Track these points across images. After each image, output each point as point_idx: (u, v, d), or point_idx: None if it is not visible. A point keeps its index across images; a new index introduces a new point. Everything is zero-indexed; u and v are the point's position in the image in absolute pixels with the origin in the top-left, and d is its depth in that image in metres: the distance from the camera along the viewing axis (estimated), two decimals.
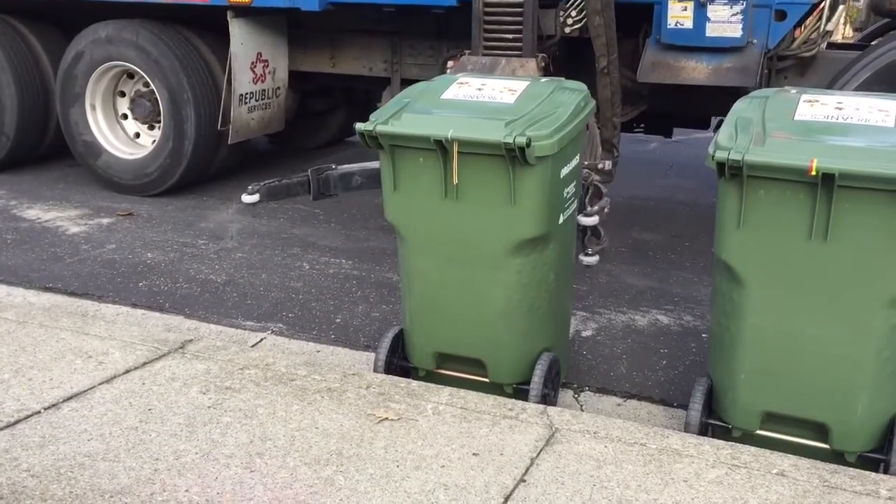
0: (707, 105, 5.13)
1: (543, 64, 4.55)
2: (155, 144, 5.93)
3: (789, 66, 4.80)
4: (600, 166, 4.16)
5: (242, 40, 5.63)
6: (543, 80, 3.37)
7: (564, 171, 3.06)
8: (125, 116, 6.16)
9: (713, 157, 2.65)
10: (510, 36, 4.68)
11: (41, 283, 4.44)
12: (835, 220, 2.55)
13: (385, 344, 3.29)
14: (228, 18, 5.53)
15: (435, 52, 5.67)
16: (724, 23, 4.45)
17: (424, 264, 3.14)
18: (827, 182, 2.51)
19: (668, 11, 4.53)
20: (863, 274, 2.58)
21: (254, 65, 5.78)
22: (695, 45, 4.55)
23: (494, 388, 3.17)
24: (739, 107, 2.93)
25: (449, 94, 3.18)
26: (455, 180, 2.94)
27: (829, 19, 4.67)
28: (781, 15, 4.45)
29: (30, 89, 6.35)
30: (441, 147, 2.91)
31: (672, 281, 4.64)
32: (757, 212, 2.67)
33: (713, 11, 4.45)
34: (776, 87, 4.56)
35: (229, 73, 5.65)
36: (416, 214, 3.10)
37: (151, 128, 6.08)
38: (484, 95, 3.13)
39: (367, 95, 7.37)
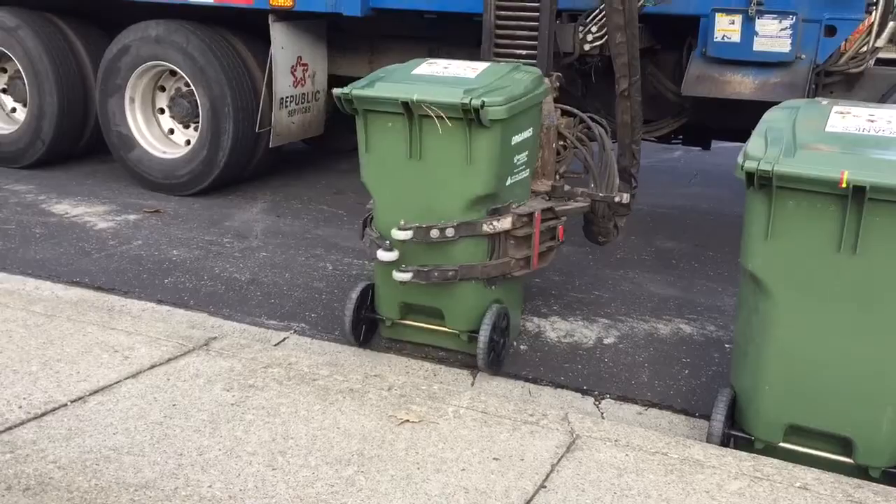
0: (749, 119, 5.03)
1: (558, 84, 4.07)
2: (189, 148, 5.98)
3: (837, 81, 4.74)
4: (617, 199, 3.86)
5: (283, 44, 5.68)
6: (503, 62, 3.81)
7: (516, 139, 3.44)
8: (162, 111, 6.23)
9: (742, 167, 2.62)
10: (523, 52, 4.33)
11: (69, 277, 4.50)
12: (864, 232, 2.51)
13: (353, 297, 3.68)
14: (270, 22, 5.58)
15: (473, 59, 5.65)
16: (773, 37, 4.40)
17: (394, 220, 3.43)
18: (857, 195, 2.47)
19: (716, 24, 4.49)
20: (892, 288, 2.53)
21: (294, 69, 5.83)
22: (742, 59, 4.51)
23: (452, 337, 3.63)
24: (770, 117, 2.90)
25: (419, 71, 3.58)
26: (420, 139, 3.33)
27: (878, 35, 4.61)
28: (831, 30, 4.39)
29: (71, 96, 6.42)
30: (407, 109, 3.28)
31: (695, 290, 4.59)
32: (785, 223, 2.63)
33: (762, 26, 4.41)
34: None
35: (269, 77, 5.70)
36: (385, 174, 3.49)
37: (187, 126, 6.14)
38: (449, 72, 3.54)
39: None
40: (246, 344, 3.40)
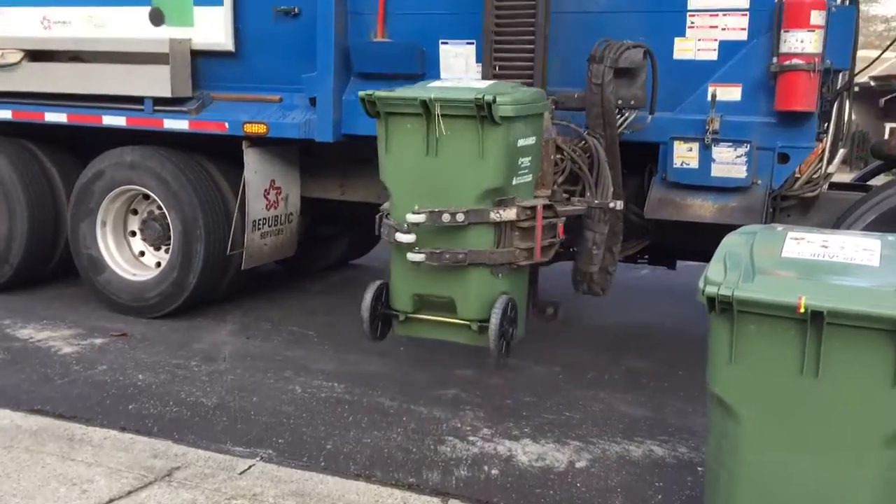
0: (711, 241, 5.16)
1: (553, 106, 4.48)
2: (160, 270, 5.99)
3: (793, 205, 4.90)
4: (611, 205, 4.36)
5: (256, 168, 5.79)
6: (509, 81, 4.31)
7: (521, 142, 3.88)
8: (133, 234, 6.26)
9: (703, 291, 2.68)
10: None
11: (29, 405, 4.39)
12: (825, 357, 2.55)
13: (369, 295, 4.11)
14: (244, 148, 5.69)
15: None
16: (729, 164, 4.57)
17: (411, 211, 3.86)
18: (816, 320, 2.53)
19: (675, 151, 4.67)
20: (855, 412, 2.55)
21: (267, 192, 5.92)
22: (700, 184, 4.67)
23: (463, 330, 3.93)
24: (728, 242, 2.99)
25: (434, 84, 4.13)
26: (437, 135, 3.76)
27: (829, 162, 4.81)
28: (785, 157, 4.56)
29: (42, 220, 6.44)
30: (426, 109, 3.73)
31: (667, 410, 4.58)
32: (748, 347, 2.67)
33: (718, 153, 4.58)
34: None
35: (242, 200, 5.78)
36: (403, 171, 3.93)
37: (158, 249, 6.17)
38: (461, 84, 4.10)
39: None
40: (210, 473, 3.32)
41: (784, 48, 4.34)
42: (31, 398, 4.48)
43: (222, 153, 6.05)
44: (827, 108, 4.89)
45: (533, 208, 3.96)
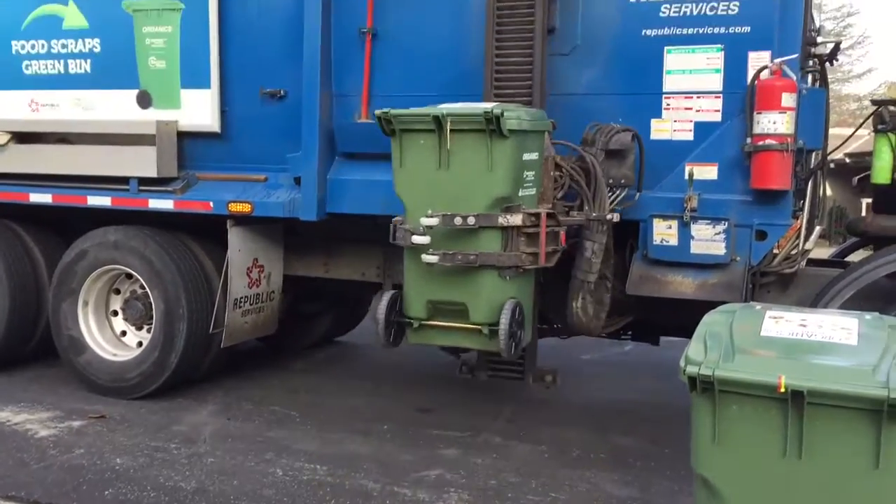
0: (693, 317, 5.19)
1: (552, 127, 4.68)
2: (141, 350, 5.94)
3: (772, 281, 4.95)
4: (608, 217, 4.57)
5: (240, 247, 5.80)
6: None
7: (526, 156, 4.21)
8: (115, 313, 6.23)
9: (684, 371, 2.69)
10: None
11: (3, 491, 4.27)
12: (808, 437, 2.55)
13: (383, 303, 4.39)
14: (228, 227, 5.72)
15: None
16: (708, 241, 4.64)
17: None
18: (797, 399, 2.54)
19: (654, 229, 4.74)
20: (839, 494, 2.54)
21: (250, 270, 5.92)
22: (681, 261, 4.72)
23: (475, 335, 4.24)
24: (708, 320, 3.01)
25: (444, 105, 4.33)
26: (448, 146, 4.07)
27: (806, 239, 4.89)
28: (762, 235, 4.63)
29: (23, 300, 6.41)
30: (437, 124, 4.06)
31: (653, 490, 4.52)
32: (731, 427, 2.67)
33: (697, 231, 4.66)
34: (760, 301, 4.72)
35: (225, 278, 5.77)
36: (416, 184, 4.24)
37: (139, 328, 6.13)
38: (468, 103, 4.38)
39: (356, 300, 7.52)
40: None
41: (757, 129, 4.46)
42: (4, 484, 4.38)
43: (207, 232, 6.07)
44: (802, 186, 5.00)
45: (537, 215, 4.27)
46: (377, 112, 4.28)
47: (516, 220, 4.17)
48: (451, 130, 4.07)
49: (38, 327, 6.55)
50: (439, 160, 4.17)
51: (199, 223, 6.03)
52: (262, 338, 6.82)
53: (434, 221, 4.10)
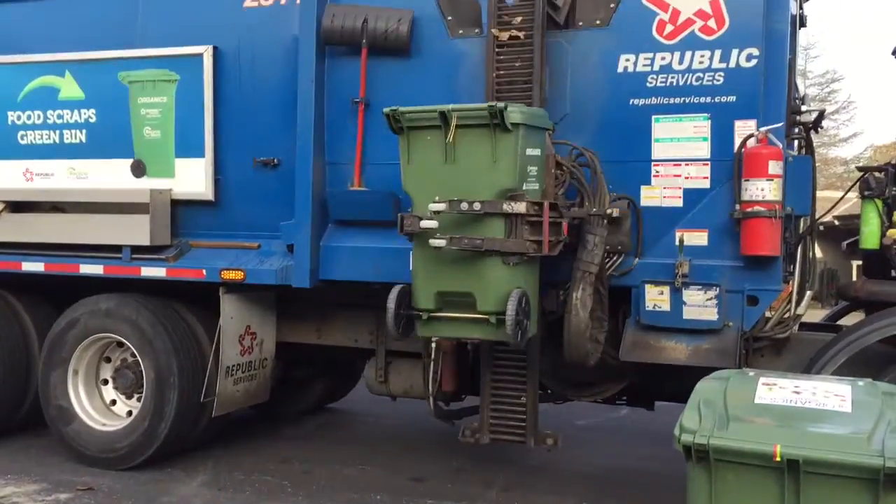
0: (688, 382, 5.19)
1: (553, 129, 4.81)
2: (131, 420, 5.86)
3: (765, 346, 4.96)
4: (609, 211, 4.64)
5: (232, 314, 5.78)
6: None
7: (529, 151, 4.34)
8: (105, 382, 6.16)
9: (679, 440, 2.67)
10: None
11: None
12: None
13: (392, 297, 4.49)
14: (220, 294, 5.70)
15: None
16: (700, 307, 4.66)
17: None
18: (793, 468, 2.51)
19: (646, 295, 4.76)
20: None
21: (242, 337, 5.89)
22: (673, 326, 4.73)
23: (482, 325, 4.34)
24: (701, 388, 3.01)
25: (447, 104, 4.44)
26: (451, 138, 4.22)
27: (798, 303, 4.91)
28: (754, 300, 4.65)
29: (13, 369, 6.35)
30: (443, 120, 4.21)
31: None
32: (727, 495, 2.66)
33: (689, 296, 4.68)
34: (754, 366, 4.72)
35: (217, 346, 5.73)
36: (424, 179, 4.38)
37: (129, 397, 6.06)
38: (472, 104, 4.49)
39: (348, 366, 7.47)
40: None
41: (745, 196, 4.52)
42: None
43: (199, 299, 6.05)
44: (792, 251, 5.04)
45: (540, 204, 4.39)
46: (385, 110, 4.41)
47: (520, 207, 4.28)
48: (456, 126, 4.23)
49: (27, 397, 6.47)
50: (445, 155, 4.31)
51: (191, 290, 6.02)
52: (254, 406, 6.75)
53: (441, 207, 4.22)
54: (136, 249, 5.87)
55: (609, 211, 4.67)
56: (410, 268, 4.64)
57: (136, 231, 5.78)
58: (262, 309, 6.07)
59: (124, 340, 5.90)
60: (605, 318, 4.89)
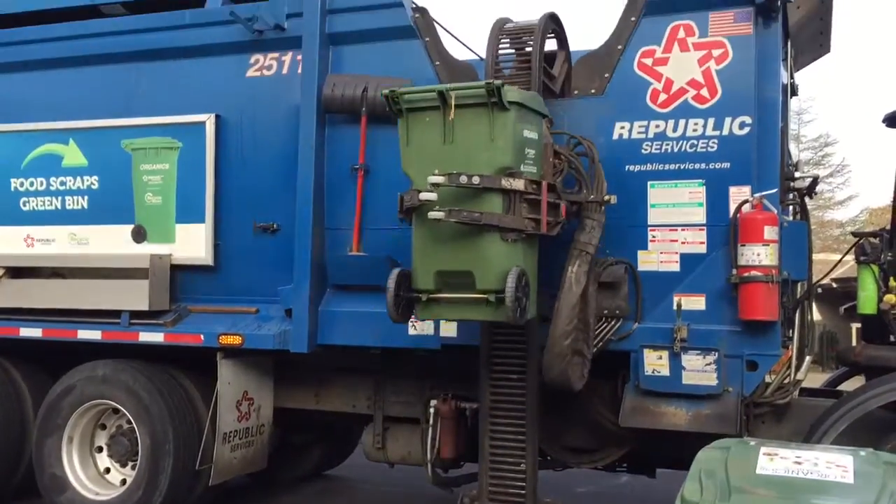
0: (688, 448, 5.14)
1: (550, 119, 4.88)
2: (125, 489, 5.77)
3: (766, 412, 4.93)
4: (606, 198, 4.69)
5: (230, 380, 5.75)
6: None
7: (526, 132, 4.40)
8: (100, 449, 6.09)
9: None
10: (515, 376, 4.97)
11: None
12: None
13: (392, 280, 4.43)
14: (218, 359, 5.68)
15: (417, 391, 5.81)
16: (700, 372, 4.65)
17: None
18: None
19: (645, 360, 4.75)
20: None
21: (239, 403, 5.85)
22: (673, 391, 4.71)
23: (481, 306, 4.30)
24: (702, 457, 2.98)
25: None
26: (451, 116, 4.26)
27: (797, 368, 4.90)
28: (753, 365, 4.64)
29: (7, 436, 6.28)
30: (442, 99, 4.26)
31: None
32: None
33: (688, 361, 4.67)
34: (755, 432, 4.68)
35: (214, 412, 5.69)
36: (423, 160, 4.38)
37: (124, 465, 5.98)
38: None
39: (346, 432, 7.39)
40: None
41: (742, 261, 4.55)
42: None
43: (197, 364, 6.02)
44: (790, 315, 5.04)
45: (538, 183, 4.43)
46: (383, 91, 4.45)
47: (518, 184, 4.29)
48: (455, 105, 4.26)
49: (21, 465, 6.37)
50: (444, 135, 4.33)
51: (189, 355, 5.99)
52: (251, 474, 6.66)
53: (440, 179, 4.21)
54: (134, 314, 5.87)
55: (606, 198, 4.72)
56: (411, 249, 4.59)
57: (134, 296, 5.79)
58: (260, 374, 6.04)
59: (120, 407, 5.85)
60: (590, 339, 4.82)
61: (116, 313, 5.92)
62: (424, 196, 4.25)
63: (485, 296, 4.28)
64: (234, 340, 5.64)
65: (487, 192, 4.27)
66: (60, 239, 6.19)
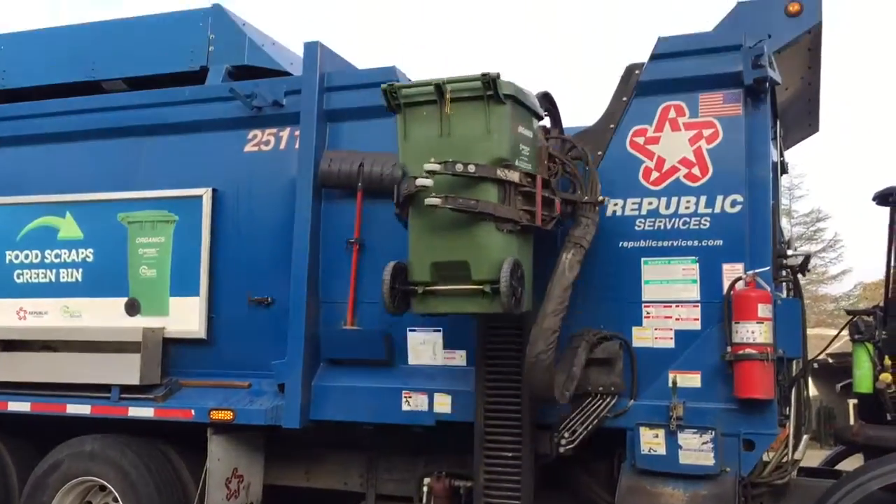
0: None
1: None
2: None
3: (764, 492, 4.85)
4: (600, 199, 4.77)
5: (220, 456, 5.65)
6: None
7: (521, 129, 4.49)
8: None
9: None
10: (510, 454, 4.89)
11: None
12: None
13: (387, 272, 4.46)
14: (208, 435, 5.60)
15: (411, 469, 5.71)
16: (696, 451, 4.58)
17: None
18: None
19: (641, 438, 4.69)
20: None
21: (229, 480, 5.73)
22: (669, 471, 4.64)
23: (476, 298, 4.35)
24: None
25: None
26: (448, 109, 4.36)
27: (795, 448, 4.84)
28: (750, 444, 4.58)
29: None
30: (439, 92, 4.34)
31: None
32: None
33: (684, 440, 4.61)
34: None
35: (202, 490, 5.57)
36: (420, 153, 4.39)
37: None
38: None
39: None
40: None
41: (736, 338, 4.54)
42: None
43: (186, 439, 5.93)
44: (786, 393, 5.01)
45: (533, 176, 4.49)
46: (382, 86, 4.50)
47: (513, 176, 4.34)
48: (451, 99, 4.34)
49: None
50: (441, 128, 4.40)
51: (179, 430, 5.91)
52: None
53: (437, 167, 4.24)
54: (125, 389, 5.81)
55: (601, 198, 4.78)
56: (408, 243, 4.62)
57: (126, 370, 5.74)
58: (250, 450, 5.95)
59: (107, 484, 5.74)
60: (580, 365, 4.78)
61: (107, 387, 5.85)
62: (421, 182, 4.27)
63: (480, 286, 4.32)
64: (225, 416, 5.57)
65: (483, 182, 4.33)
66: (53, 312, 6.16)
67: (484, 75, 4.26)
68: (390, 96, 4.50)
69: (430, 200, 4.24)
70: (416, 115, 4.50)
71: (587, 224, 4.76)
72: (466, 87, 4.36)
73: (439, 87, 4.36)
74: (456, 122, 4.40)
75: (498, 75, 4.29)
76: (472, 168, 4.28)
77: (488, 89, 4.29)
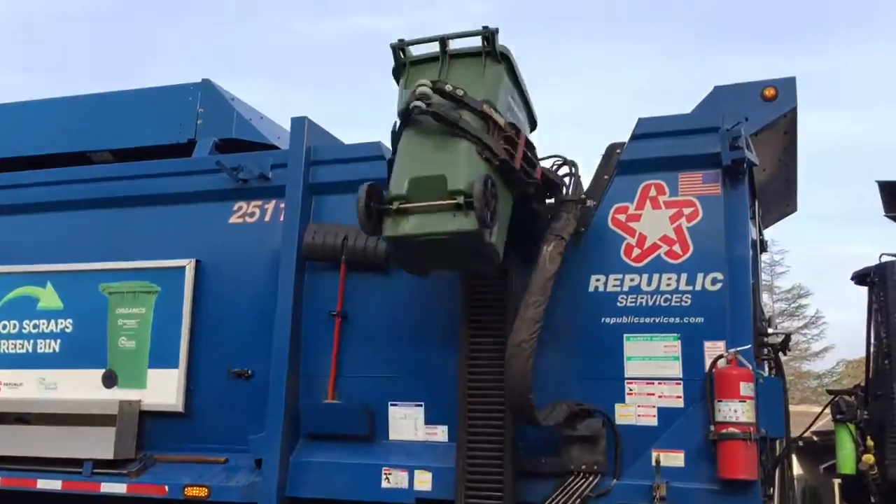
0: None
1: None
2: None
3: None
4: (583, 198, 4.91)
5: None
6: None
7: (509, 99, 4.73)
8: None
9: None
10: None
11: None
12: None
13: (362, 192, 4.43)
14: None
15: None
16: None
17: None
18: None
19: None
20: None
21: None
22: None
23: (449, 215, 4.30)
24: None
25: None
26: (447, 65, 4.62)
27: None
28: None
29: None
30: (442, 48, 4.62)
31: None
32: None
33: None
34: None
35: None
36: None
37: None
38: None
39: None
40: None
41: (719, 417, 4.51)
42: None
43: None
44: (770, 473, 4.96)
45: (518, 130, 4.63)
46: (391, 43, 4.72)
47: (499, 118, 4.50)
48: (451, 55, 4.63)
49: None
50: (439, 76, 4.57)
51: None
52: None
53: (428, 90, 4.42)
54: (98, 463, 5.67)
55: (583, 198, 4.96)
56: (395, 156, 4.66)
57: (99, 444, 5.62)
58: None
59: None
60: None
61: (80, 462, 5.72)
62: (422, 89, 4.42)
63: (454, 200, 4.27)
64: (200, 492, 5.43)
65: (469, 113, 4.43)
66: (29, 383, 6.06)
67: (485, 28, 4.53)
68: (399, 52, 4.74)
69: (416, 103, 4.40)
70: (418, 71, 4.70)
71: (568, 218, 4.87)
72: (467, 40, 4.62)
73: (443, 39, 4.62)
74: (453, 74, 4.59)
75: (497, 29, 4.56)
76: (460, 92, 4.44)
77: (487, 45, 4.55)
